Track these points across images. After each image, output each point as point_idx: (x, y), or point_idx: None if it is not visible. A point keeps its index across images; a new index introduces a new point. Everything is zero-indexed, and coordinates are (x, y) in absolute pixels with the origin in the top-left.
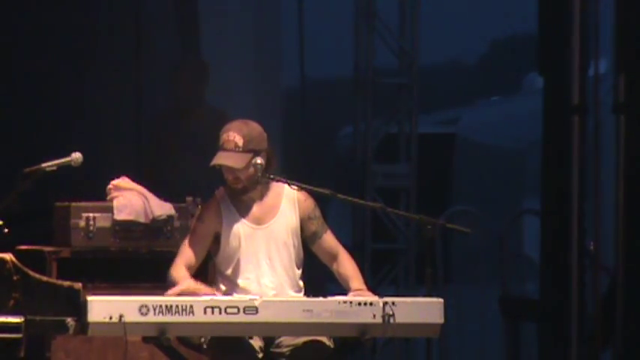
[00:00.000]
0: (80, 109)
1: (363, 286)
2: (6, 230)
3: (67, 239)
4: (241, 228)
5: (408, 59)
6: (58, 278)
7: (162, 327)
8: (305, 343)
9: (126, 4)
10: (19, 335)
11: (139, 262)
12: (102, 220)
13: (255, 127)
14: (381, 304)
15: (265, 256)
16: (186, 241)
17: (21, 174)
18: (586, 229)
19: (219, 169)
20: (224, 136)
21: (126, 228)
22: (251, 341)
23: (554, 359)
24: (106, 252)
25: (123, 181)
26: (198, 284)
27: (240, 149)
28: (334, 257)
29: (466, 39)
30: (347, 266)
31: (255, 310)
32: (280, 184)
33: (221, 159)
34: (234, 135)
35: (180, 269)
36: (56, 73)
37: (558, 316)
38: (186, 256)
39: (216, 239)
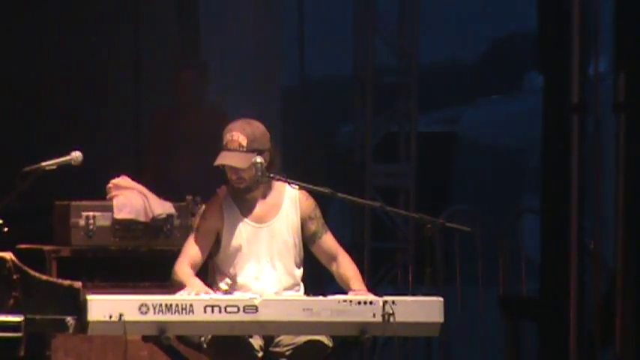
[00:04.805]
0: (80, 109)
1: (363, 287)
2: (6, 229)
3: (66, 238)
4: (243, 227)
5: (407, 59)
6: (58, 277)
7: (162, 326)
8: (305, 342)
9: (126, 3)
10: (19, 334)
11: (139, 261)
12: (102, 219)
13: (258, 127)
14: (381, 303)
15: (266, 255)
16: (189, 239)
17: (21, 173)
18: (586, 229)
19: (220, 169)
20: (227, 136)
21: (126, 227)
22: (251, 340)
23: (554, 359)
24: (106, 251)
25: (123, 180)
26: (204, 287)
27: (244, 149)
28: (334, 258)
29: (466, 38)
30: (347, 267)
31: (255, 308)
32: (283, 182)
33: (225, 159)
34: (237, 135)
35: (184, 267)
36: (56, 72)
37: (558, 316)
38: (190, 254)
39: (217, 238)
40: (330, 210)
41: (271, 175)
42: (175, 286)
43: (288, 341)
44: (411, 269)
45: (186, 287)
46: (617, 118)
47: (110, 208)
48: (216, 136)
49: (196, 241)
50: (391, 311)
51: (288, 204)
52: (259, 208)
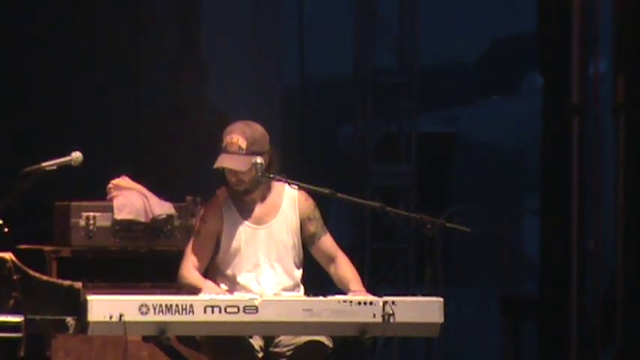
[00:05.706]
0: (80, 109)
1: (362, 289)
2: (6, 229)
3: (67, 238)
4: (242, 228)
5: (407, 59)
6: (58, 277)
7: (162, 326)
8: (305, 342)
9: (126, 3)
10: (19, 334)
11: (139, 261)
12: (102, 220)
13: (257, 129)
14: (381, 304)
15: (265, 256)
16: (191, 243)
17: (21, 174)
18: (586, 229)
19: (220, 171)
20: (227, 139)
21: (126, 227)
22: (251, 340)
23: (554, 359)
24: (106, 251)
25: (123, 181)
26: (218, 288)
27: (244, 152)
28: (332, 260)
29: (466, 38)
30: (345, 269)
31: (255, 309)
32: (282, 183)
33: (224, 162)
34: (237, 137)
35: (192, 270)
36: (56, 72)
37: (558, 316)
38: (193, 258)
39: (218, 239)
40: (330, 210)
41: (271, 175)
42: (184, 290)
43: (288, 342)
44: (411, 269)
45: (203, 290)
46: (617, 118)
47: (110, 209)
48: (215, 136)
49: (198, 244)
50: (391, 312)
51: (287, 205)
52: (258, 209)
